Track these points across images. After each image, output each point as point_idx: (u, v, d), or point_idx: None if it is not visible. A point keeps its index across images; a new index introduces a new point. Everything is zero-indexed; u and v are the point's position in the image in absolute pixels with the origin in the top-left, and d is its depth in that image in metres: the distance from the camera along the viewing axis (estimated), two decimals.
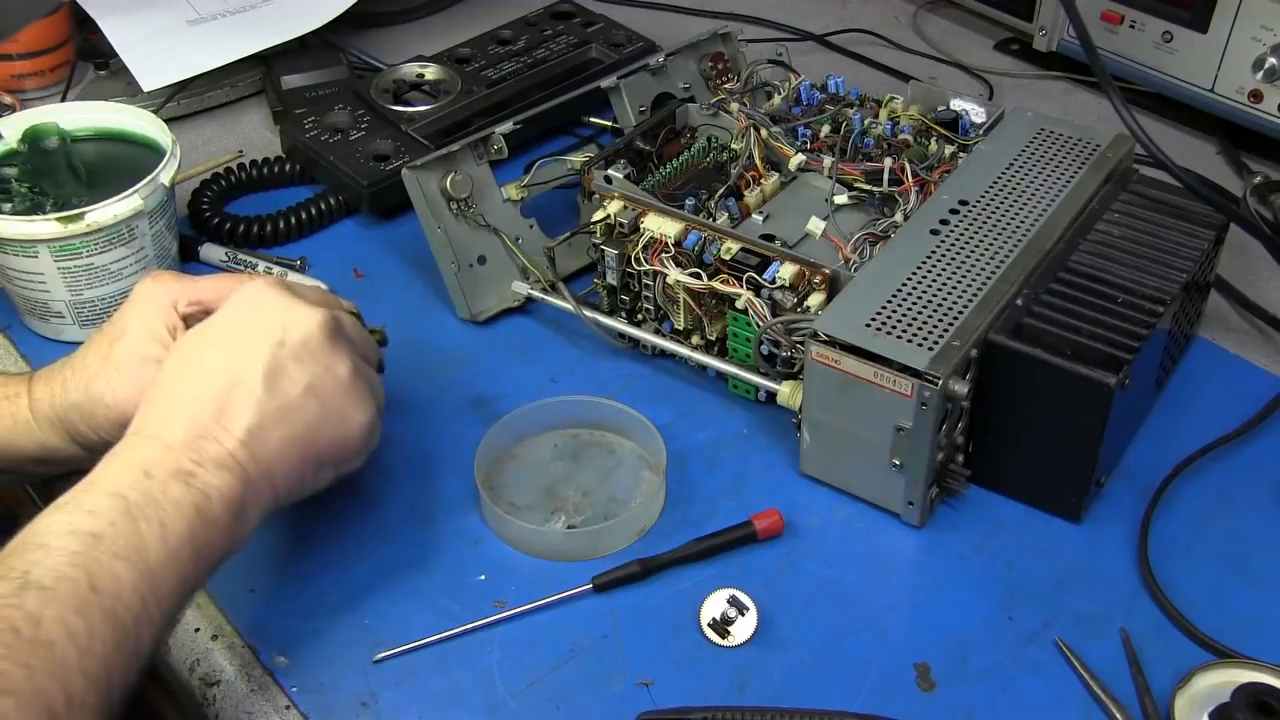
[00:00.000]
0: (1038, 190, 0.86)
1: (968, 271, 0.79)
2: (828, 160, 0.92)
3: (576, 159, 0.94)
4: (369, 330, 0.80)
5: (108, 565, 0.59)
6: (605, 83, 1.01)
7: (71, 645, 0.56)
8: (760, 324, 0.81)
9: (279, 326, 0.70)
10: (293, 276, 0.96)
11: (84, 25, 1.14)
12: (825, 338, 0.75)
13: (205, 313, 0.76)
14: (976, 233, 0.83)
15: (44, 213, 0.87)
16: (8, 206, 0.89)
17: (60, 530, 0.60)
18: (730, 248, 0.82)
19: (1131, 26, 1.11)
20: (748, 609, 0.73)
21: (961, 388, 0.72)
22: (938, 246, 0.81)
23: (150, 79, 1.08)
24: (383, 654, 0.71)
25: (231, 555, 0.66)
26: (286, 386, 0.69)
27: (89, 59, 1.15)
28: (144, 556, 0.61)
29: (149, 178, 0.88)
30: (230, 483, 0.65)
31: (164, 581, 0.61)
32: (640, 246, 0.85)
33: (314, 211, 1.02)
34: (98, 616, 0.58)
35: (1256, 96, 1.05)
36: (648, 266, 0.85)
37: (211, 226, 1.00)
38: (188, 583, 0.63)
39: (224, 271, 0.97)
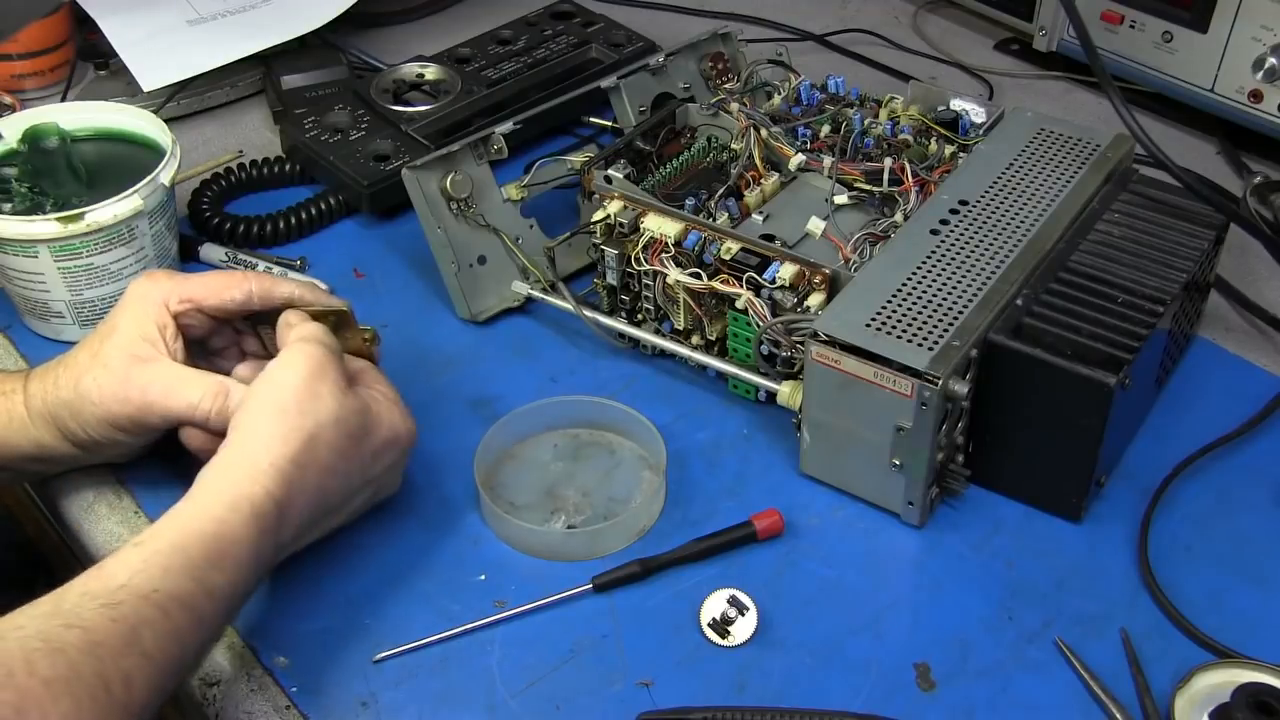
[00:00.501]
0: (1038, 190, 0.86)
1: (968, 271, 0.79)
2: (828, 160, 0.92)
3: (576, 159, 0.94)
4: (359, 329, 0.80)
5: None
6: (605, 83, 1.01)
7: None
8: (760, 324, 0.81)
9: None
10: (293, 276, 0.96)
11: (84, 25, 1.14)
12: (825, 338, 0.75)
13: (198, 310, 0.76)
14: (976, 233, 0.83)
15: (44, 213, 0.87)
16: (8, 206, 0.89)
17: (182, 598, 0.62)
18: (730, 248, 0.82)
19: (1131, 26, 1.11)
20: (748, 609, 0.73)
21: (961, 388, 0.72)
22: (938, 246, 0.81)
23: (150, 79, 1.08)
24: (383, 654, 0.71)
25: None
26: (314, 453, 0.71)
27: (89, 59, 1.15)
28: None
29: (149, 178, 0.88)
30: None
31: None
32: (640, 246, 0.85)
33: (314, 211, 1.02)
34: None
35: (1256, 96, 1.05)
36: (648, 266, 0.85)
37: (211, 226, 1.00)
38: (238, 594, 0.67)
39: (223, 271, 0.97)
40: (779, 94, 0.99)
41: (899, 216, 0.87)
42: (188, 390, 0.73)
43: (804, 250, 0.84)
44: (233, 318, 0.79)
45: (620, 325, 0.90)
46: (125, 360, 0.74)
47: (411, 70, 1.13)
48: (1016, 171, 0.88)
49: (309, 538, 0.72)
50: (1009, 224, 0.83)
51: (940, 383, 0.72)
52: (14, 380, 0.77)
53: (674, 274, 0.84)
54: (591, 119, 1.08)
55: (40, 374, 0.76)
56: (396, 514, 0.80)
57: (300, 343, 0.73)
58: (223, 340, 0.80)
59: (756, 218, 0.89)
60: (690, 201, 0.89)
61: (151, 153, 0.93)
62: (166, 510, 0.66)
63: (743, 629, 0.72)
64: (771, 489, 0.81)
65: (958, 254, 0.81)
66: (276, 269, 0.97)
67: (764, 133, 0.94)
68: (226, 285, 0.77)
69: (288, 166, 1.07)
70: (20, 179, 0.91)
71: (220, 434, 0.71)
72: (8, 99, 1.11)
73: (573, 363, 0.91)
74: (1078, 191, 0.86)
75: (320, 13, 1.14)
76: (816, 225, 0.87)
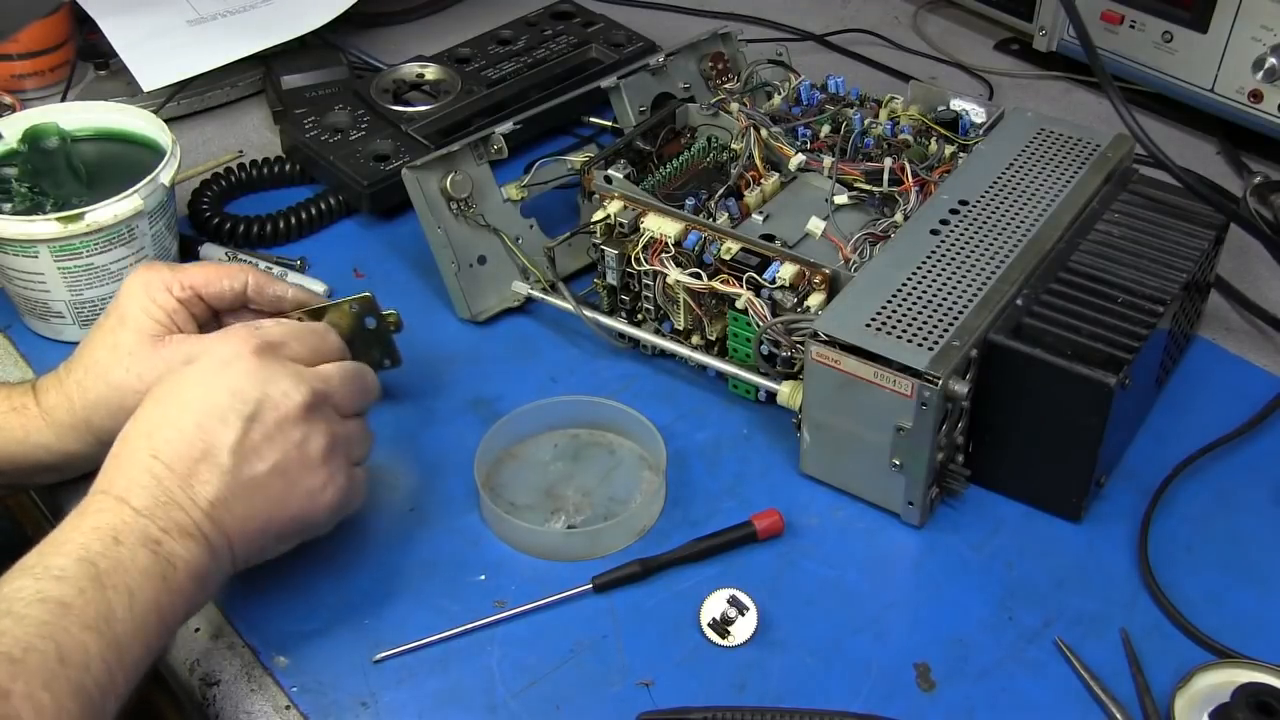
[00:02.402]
0: (1038, 190, 0.86)
1: (968, 271, 0.79)
2: (828, 160, 0.92)
3: (576, 159, 0.94)
4: (383, 314, 0.80)
5: (77, 636, 0.58)
6: (605, 83, 1.01)
7: None
8: (760, 324, 0.81)
9: (254, 400, 0.68)
10: (293, 277, 0.96)
11: (84, 25, 1.14)
12: (825, 338, 0.75)
13: (199, 298, 0.76)
14: (976, 233, 0.83)
15: (44, 213, 0.87)
16: (8, 206, 0.89)
17: (29, 597, 0.59)
18: (730, 248, 0.82)
19: (1131, 26, 1.11)
20: (748, 609, 0.73)
21: (961, 388, 0.72)
22: (938, 246, 0.81)
23: (150, 79, 1.08)
24: (383, 654, 0.71)
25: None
26: (255, 464, 0.67)
27: (89, 59, 1.15)
28: (112, 626, 0.60)
29: (149, 178, 0.88)
30: (195, 552, 0.64)
31: (129, 651, 0.60)
32: (640, 246, 0.85)
33: (314, 211, 1.02)
34: (66, 691, 0.57)
35: (1256, 96, 1.05)
36: (648, 266, 0.85)
37: (211, 226, 1.00)
38: (151, 651, 0.63)
39: None
40: (779, 94, 0.99)
41: (899, 216, 0.87)
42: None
43: (804, 250, 0.84)
44: (229, 309, 0.79)
45: (620, 325, 0.90)
46: (149, 342, 0.74)
47: (411, 70, 1.13)
48: (1016, 171, 0.88)
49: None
50: (1009, 224, 0.83)
51: (940, 383, 0.72)
52: (22, 395, 0.77)
53: (674, 274, 0.84)
54: (591, 119, 1.08)
55: (54, 385, 0.76)
56: (396, 514, 0.80)
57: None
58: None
59: (756, 218, 0.89)
60: (690, 201, 0.89)
61: (151, 153, 0.93)
62: None
63: (743, 629, 0.72)
64: (771, 489, 0.81)
65: (958, 254, 0.81)
66: (276, 269, 0.97)
67: (764, 133, 0.94)
68: (224, 275, 0.77)
69: (288, 166, 1.07)
70: (20, 179, 0.91)
71: None
72: (8, 99, 1.11)
73: (573, 363, 0.91)
74: (1078, 191, 0.86)
75: (320, 13, 1.14)
76: (816, 225, 0.87)
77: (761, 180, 0.91)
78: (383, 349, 0.84)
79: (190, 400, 0.68)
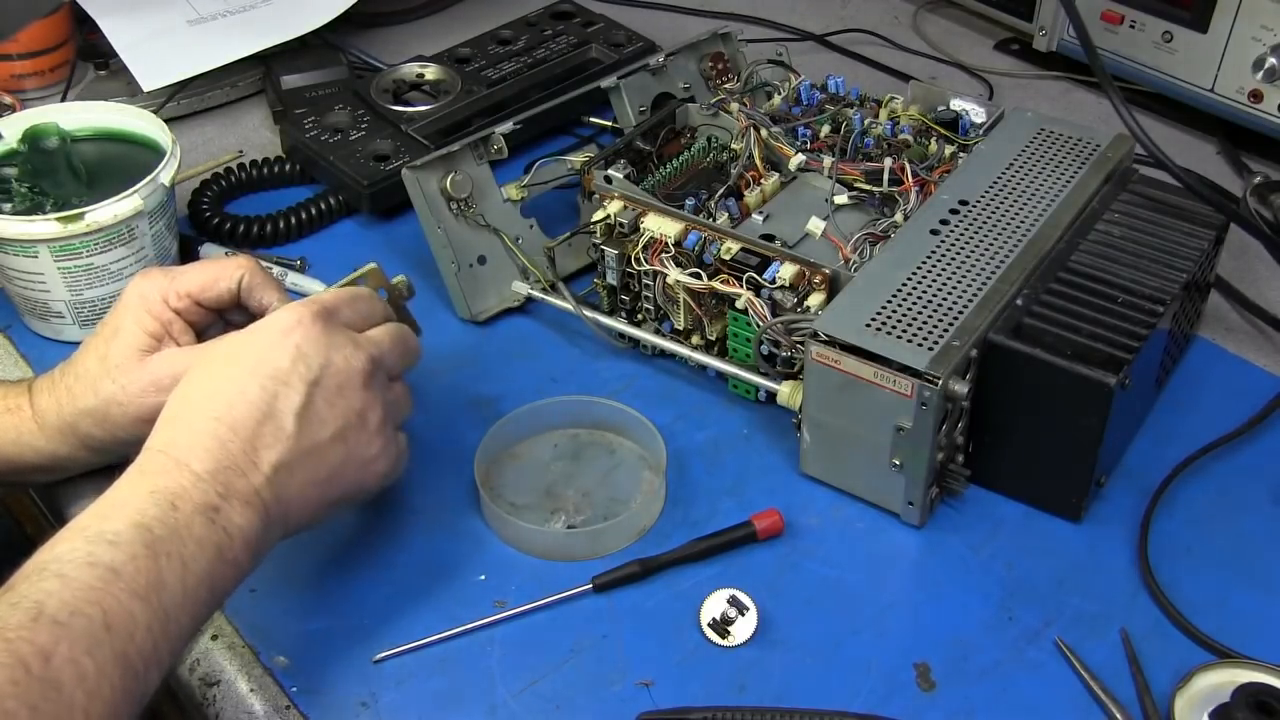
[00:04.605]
0: (1038, 190, 0.86)
1: (968, 271, 0.79)
2: (828, 160, 0.92)
3: (576, 159, 0.94)
4: (392, 285, 0.81)
5: (125, 604, 0.57)
6: (605, 83, 1.01)
7: (80, 688, 0.54)
8: (760, 324, 0.81)
9: (318, 365, 0.68)
10: (293, 277, 0.96)
11: (84, 25, 1.14)
12: (825, 338, 0.75)
13: (197, 305, 0.76)
14: (976, 233, 0.83)
15: (44, 213, 0.87)
16: (8, 206, 0.89)
17: (79, 560, 0.58)
18: (730, 248, 0.82)
19: (1131, 26, 1.11)
20: (748, 609, 0.73)
21: (961, 388, 0.72)
22: (938, 246, 0.81)
23: (150, 79, 1.08)
24: (383, 654, 0.71)
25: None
26: (318, 430, 0.67)
27: (89, 59, 1.15)
28: (161, 596, 0.59)
29: (149, 178, 0.88)
30: (252, 520, 0.64)
31: (176, 622, 0.60)
32: (640, 246, 0.85)
33: (314, 211, 1.02)
34: (109, 658, 0.56)
35: (1256, 96, 1.05)
36: (648, 266, 0.85)
37: (211, 226, 1.00)
38: (198, 622, 0.62)
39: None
40: (779, 94, 0.99)
41: (899, 216, 0.87)
42: None
43: (804, 250, 0.84)
44: (227, 308, 0.78)
45: (620, 325, 0.90)
46: (136, 357, 0.73)
47: (411, 70, 1.13)
48: (1016, 171, 0.88)
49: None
50: (1009, 224, 0.83)
51: (940, 383, 0.72)
52: (17, 395, 0.77)
53: (674, 274, 0.84)
54: (591, 119, 1.08)
55: (47, 387, 0.76)
56: (396, 514, 0.80)
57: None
58: (217, 331, 0.80)
59: (756, 218, 0.89)
60: (690, 201, 0.89)
61: (151, 153, 0.93)
62: None
63: (743, 629, 0.72)
64: (771, 489, 0.81)
65: (958, 254, 0.81)
66: (276, 269, 0.97)
67: (764, 133, 0.94)
68: (219, 276, 0.76)
69: (288, 166, 1.07)
70: (20, 179, 0.91)
71: None
72: (8, 99, 1.11)
73: (573, 363, 0.91)
74: (1078, 191, 0.86)
75: (320, 13, 1.14)
76: (816, 225, 0.87)
77: (761, 180, 0.91)
78: (400, 318, 0.83)
79: (254, 364, 0.67)
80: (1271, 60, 1.02)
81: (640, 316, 0.90)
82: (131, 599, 0.58)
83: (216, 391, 0.66)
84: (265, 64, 1.15)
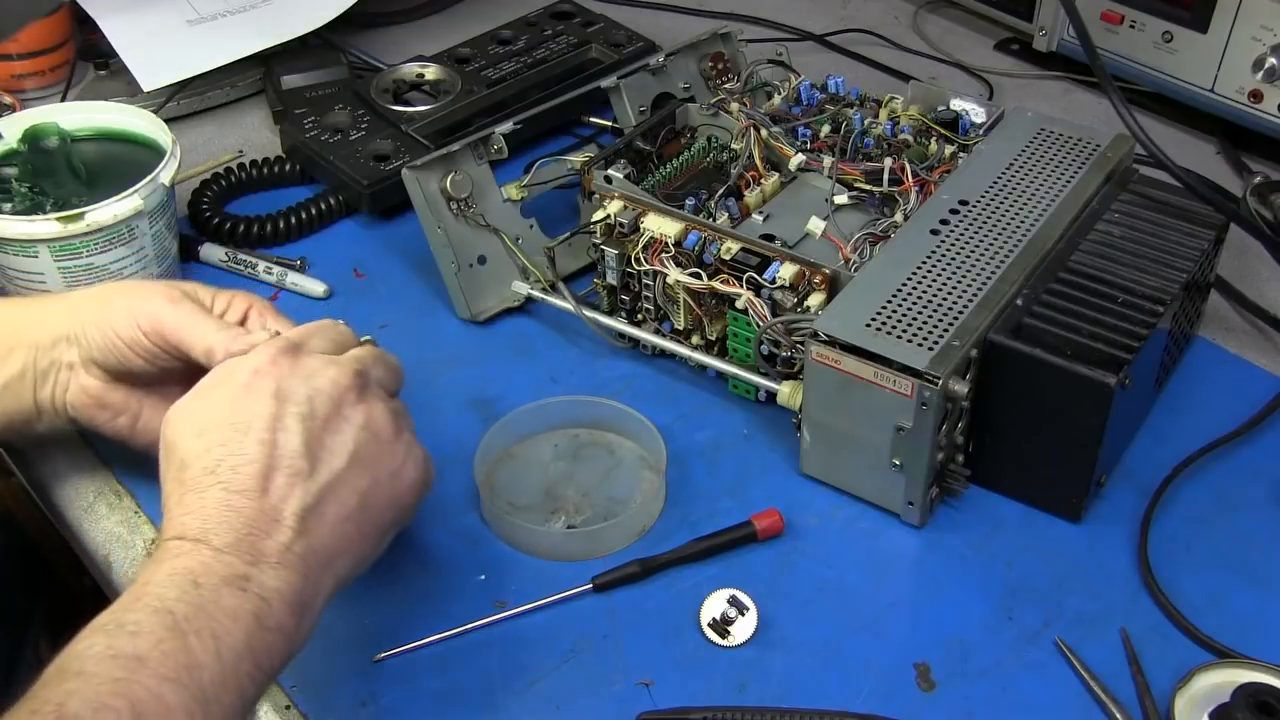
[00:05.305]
0: (1038, 190, 0.86)
1: (968, 271, 0.79)
2: (828, 160, 0.92)
3: (576, 159, 0.94)
4: (360, 341, 0.79)
5: (155, 691, 0.53)
6: (605, 83, 1.01)
7: None
8: (760, 324, 0.81)
9: (304, 397, 0.64)
10: (293, 276, 0.96)
11: (84, 25, 1.14)
12: (825, 338, 0.75)
13: (159, 336, 0.71)
14: (976, 233, 0.83)
15: (44, 213, 0.87)
16: (8, 206, 0.89)
17: (99, 654, 0.54)
18: (730, 248, 0.82)
19: (1131, 26, 1.11)
20: (748, 609, 0.73)
21: (961, 388, 0.72)
22: (938, 246, 0.81)
23: (150, 79, 1.08)
24: (383, 654, 0.71)
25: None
26: (330, 460, 0.63)
27: (89, 59, 1.15)
28: (195, 676, 0.54)
29: (149, 178, 0.88)
30: (290, 580, 0.59)
31: (218, 701, 0.55)
32: (640, 246, 0.85)
33: (314, 211, 1.02)
34: None
35: (1256, 96, 1.05)
36: (648, 266, 0.85)
37: (211, 226, 1.00)
38: (247, 699, 0.57)
39: (223, 274, 0.97)
40: (779, 94, 0.99)
41: (899, 216, 0.87)
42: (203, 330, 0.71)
43: (804, 250, 0.84)
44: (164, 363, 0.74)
45: (620, 325, 0.90)
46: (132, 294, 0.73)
47: (411, 70, 1.13)
48: (1016, 171, 0.88)
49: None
50: (1009, 224, 0.83)
51: (940, 383, 0.72)
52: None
53: (674, 274, 0.84)
54: (591, 119, 1.08)
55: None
56: None
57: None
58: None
59: (756, 218, 0.89)
60: (690, 201, 0.88)
61: (151, 153, 0.93)
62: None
63: (743, 629, 0.72)
64: (771, 489, 0.81)
65: (958, 254, 0.81)
66: (276, 269, 0.97)
67: (764, 133, 0.94)
68: (127, 349, 0.72)
69: (288, 166, 1.07)
70: (20, 179, 0.91)
71: None
72: (8, 99, 1.11)
73: (573, 363, 0.91)
74: (1078, 191, 0.86)
75: (320, 13, 1.14)
76: (816, 225, 0.87)
77: (761, 180, 0.91)
78: None
79: (237, 422, 0.63)
80: (1271, 60, 1.02)
81: (640, 316, 0.90)
82: (161, 684, 0.53)
83: (214, 462, 0.62)
84: (265, 64, 1.15)
